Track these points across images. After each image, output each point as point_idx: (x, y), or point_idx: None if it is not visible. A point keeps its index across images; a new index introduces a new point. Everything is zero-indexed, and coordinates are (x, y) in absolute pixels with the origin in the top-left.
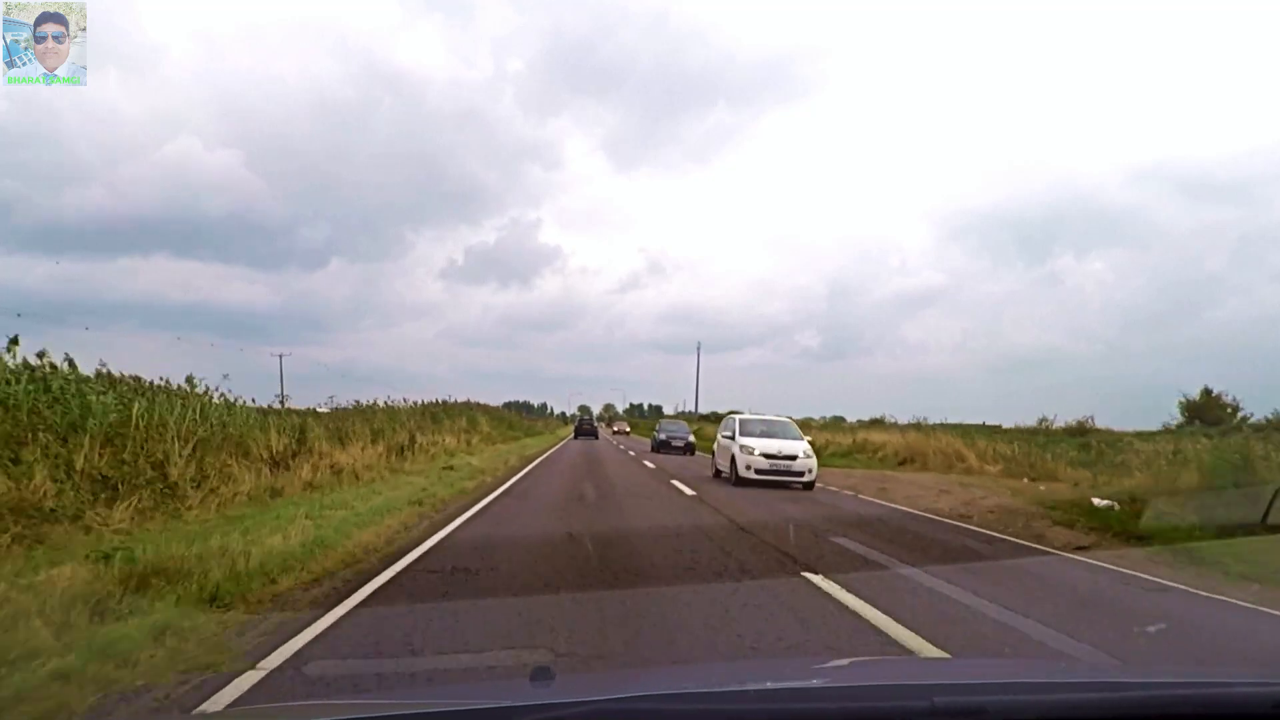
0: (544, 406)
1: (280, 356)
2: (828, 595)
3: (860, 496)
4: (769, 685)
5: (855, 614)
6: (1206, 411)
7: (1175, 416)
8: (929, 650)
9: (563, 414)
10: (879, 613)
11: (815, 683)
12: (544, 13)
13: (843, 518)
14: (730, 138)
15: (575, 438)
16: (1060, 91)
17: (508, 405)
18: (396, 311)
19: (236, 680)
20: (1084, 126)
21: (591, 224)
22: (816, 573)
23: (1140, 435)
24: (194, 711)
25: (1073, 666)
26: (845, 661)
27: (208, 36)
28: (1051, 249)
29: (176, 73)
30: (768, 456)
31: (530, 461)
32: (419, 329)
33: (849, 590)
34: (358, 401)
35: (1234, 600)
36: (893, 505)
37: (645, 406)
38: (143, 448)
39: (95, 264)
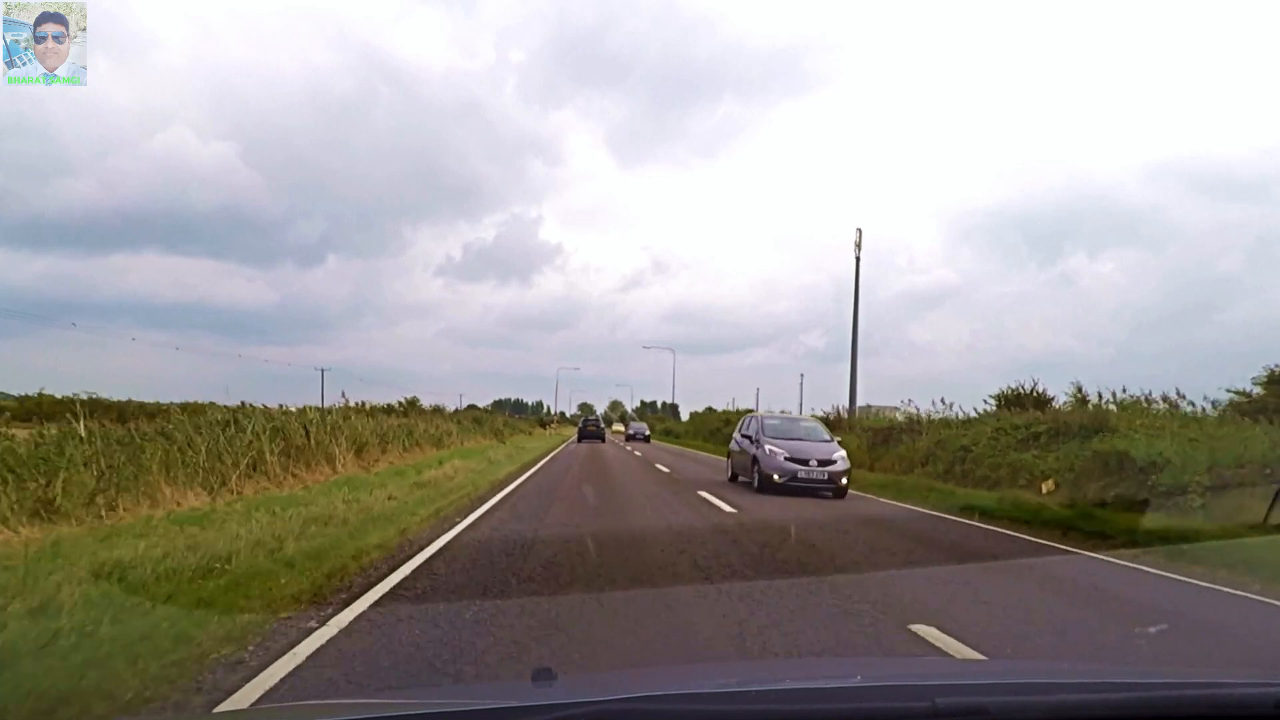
0: (539, 405)
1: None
2: None
3: None
4: (771, 685)
5: None
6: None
7: None
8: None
9: (562, 413)
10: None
11: (817, 683)
12: (548, 0)
13: None
14: (737, 133)
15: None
16: (1074, 88)
17: (497, 404)
18: (396, 310)
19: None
20: (1098, 124)
21: (594, 221)
22: None
23: None
24: (216, 710)
25: (1074, 666)
26: (847, 661)
27: (202, 25)
28: (1063, 248)
29: (170, 63)
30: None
31: None
32: (419, 328)
33: None
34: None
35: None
36: None
37: (659, 404)
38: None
39: (87, 260)
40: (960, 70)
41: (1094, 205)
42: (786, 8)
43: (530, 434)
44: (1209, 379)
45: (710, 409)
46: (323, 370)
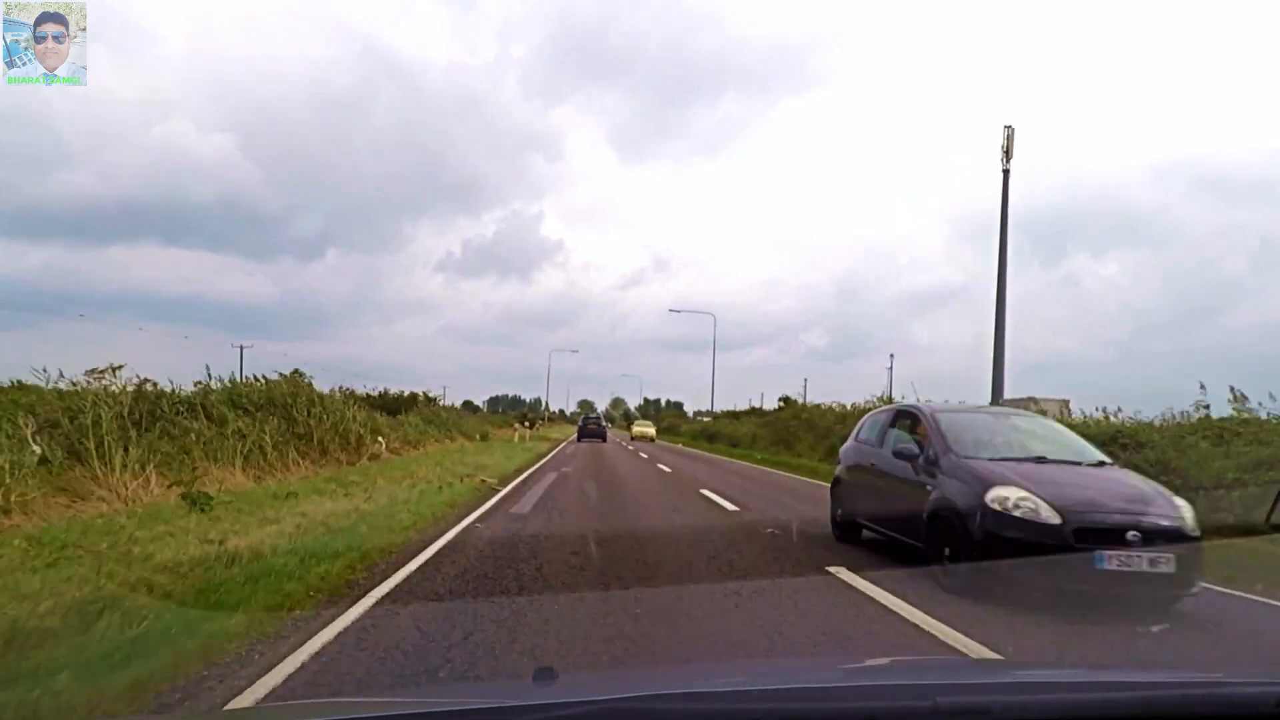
0: (538, 402)
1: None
2: None
3: None
4: (772, 685)
5: None
6: None
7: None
8: None
9: (560, 411)
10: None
11: (818, 683)
12: None
13: None
14: (738, 132)
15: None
16: (1077, 88)
17: (493, 401)
18: (396, 306)
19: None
20: (1101, 124)
21: (595, 218)
22: None
23: None
24: (225, 709)
25: (1077, 667)
26: (849, 661)
27: (202, 19)
28: (1066, 249)
29: (170, 56)
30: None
31: None
32: (419, 324)
33: None
34: None
35: (1236, 599)
36: None
37: (663, 402)
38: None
39: (86, 252)
40: (962, 70)
41: (1097, 206)
42: (789, 5)
43: (479, 441)
44: (1210, 381)
45: (789, 400)
46: (241, 347)
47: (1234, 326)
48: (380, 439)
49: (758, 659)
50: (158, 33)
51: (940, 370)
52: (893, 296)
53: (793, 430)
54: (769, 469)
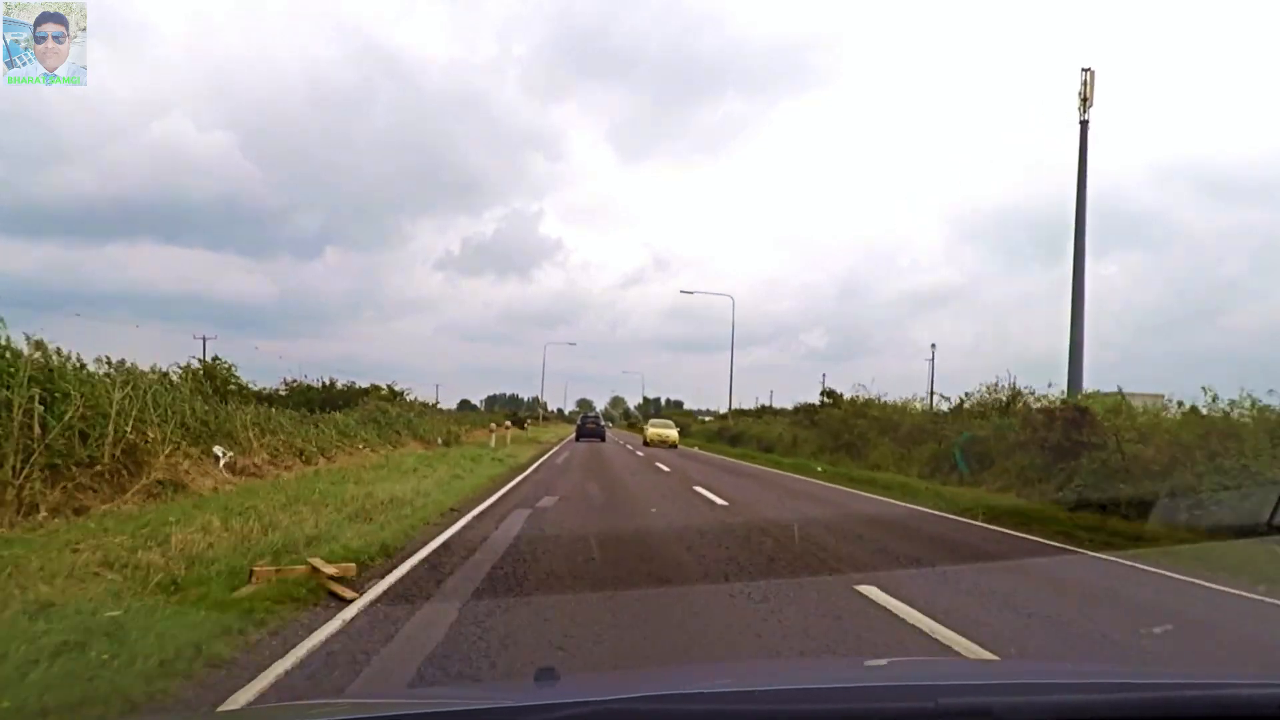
0: (535, 401)
1: (204, 339)
2: None
3: None
4: (774, 686)
5: None
6: None
7: None
8: None
9: (559, 410)
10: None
11: (819, 683)
12: None
13: None
14: (739, 131)
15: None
16: (1077, 87)
17: (490, 399)
18: (395, 305)
19: None
20: (1103, 124)
21: (595, 217)
22: None
23: None
24: (218, 710)
25: (1078, 666)
26: (850, 662)
27: (202, 16)
28: (1067, 249)
29: (170, 54)
30: None
31: None
32: (419, 323)
33: None
34: None
35: (1239, 600)
36: None
37: (663, 401)
38: None
39: (84, 250)
40: (961, 70)
41: (1098, 206)
42: (789, 5)
43: (439, 447)
44: (1211, 383)
45: (836, 395)
46: (204, 338)
47: (1234, 327)
48: (220, 452)
49: (760, 660)
50: (157, 32)
51: (940, 370)
52: (893, 297)
53: (858, 432)
54: (872, 495)
